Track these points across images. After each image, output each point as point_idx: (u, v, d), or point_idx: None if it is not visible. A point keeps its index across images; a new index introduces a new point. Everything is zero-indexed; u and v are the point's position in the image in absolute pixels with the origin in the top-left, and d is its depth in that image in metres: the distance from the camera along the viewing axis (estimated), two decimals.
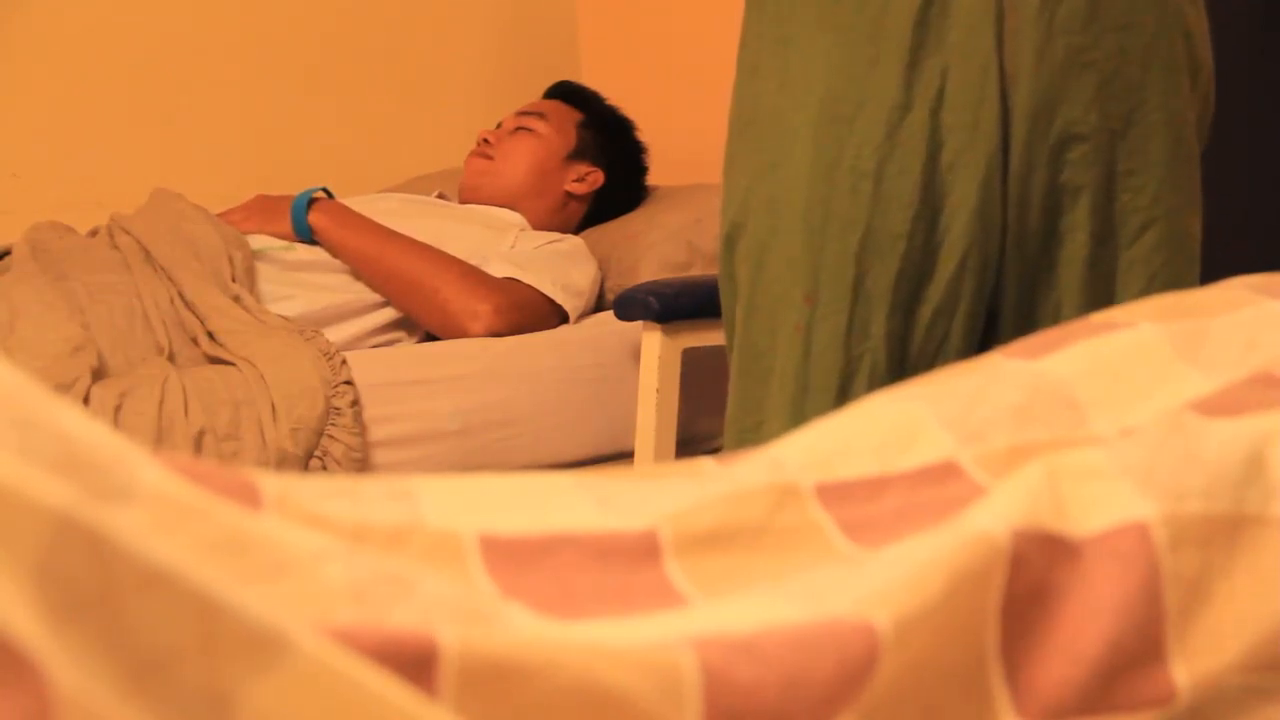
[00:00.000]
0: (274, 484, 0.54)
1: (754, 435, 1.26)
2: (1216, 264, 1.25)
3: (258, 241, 2.14)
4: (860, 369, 1.20)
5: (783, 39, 1.25)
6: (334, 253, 2.15)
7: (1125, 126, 1.19)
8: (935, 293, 1.21)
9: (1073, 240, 1.21)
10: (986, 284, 1.21)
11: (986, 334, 1.22)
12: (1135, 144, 1.20)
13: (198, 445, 1.73)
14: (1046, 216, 1.20)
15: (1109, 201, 1.20)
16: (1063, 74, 1.18)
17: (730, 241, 1.29)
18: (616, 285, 2.23)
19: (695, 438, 2.11)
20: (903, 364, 1.20)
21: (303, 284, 2.10)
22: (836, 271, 1.21)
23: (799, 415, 1.21)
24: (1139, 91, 1.20)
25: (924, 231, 1.20)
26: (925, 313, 1.21)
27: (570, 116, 2.47)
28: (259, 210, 2.21)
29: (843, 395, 1.20)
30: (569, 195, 2.44)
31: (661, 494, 0.59)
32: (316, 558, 0.46)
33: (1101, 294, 1.21)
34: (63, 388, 1.70)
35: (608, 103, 2.54)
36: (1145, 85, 1.20)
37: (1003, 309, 1.22)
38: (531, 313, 2.13)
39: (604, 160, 2.46)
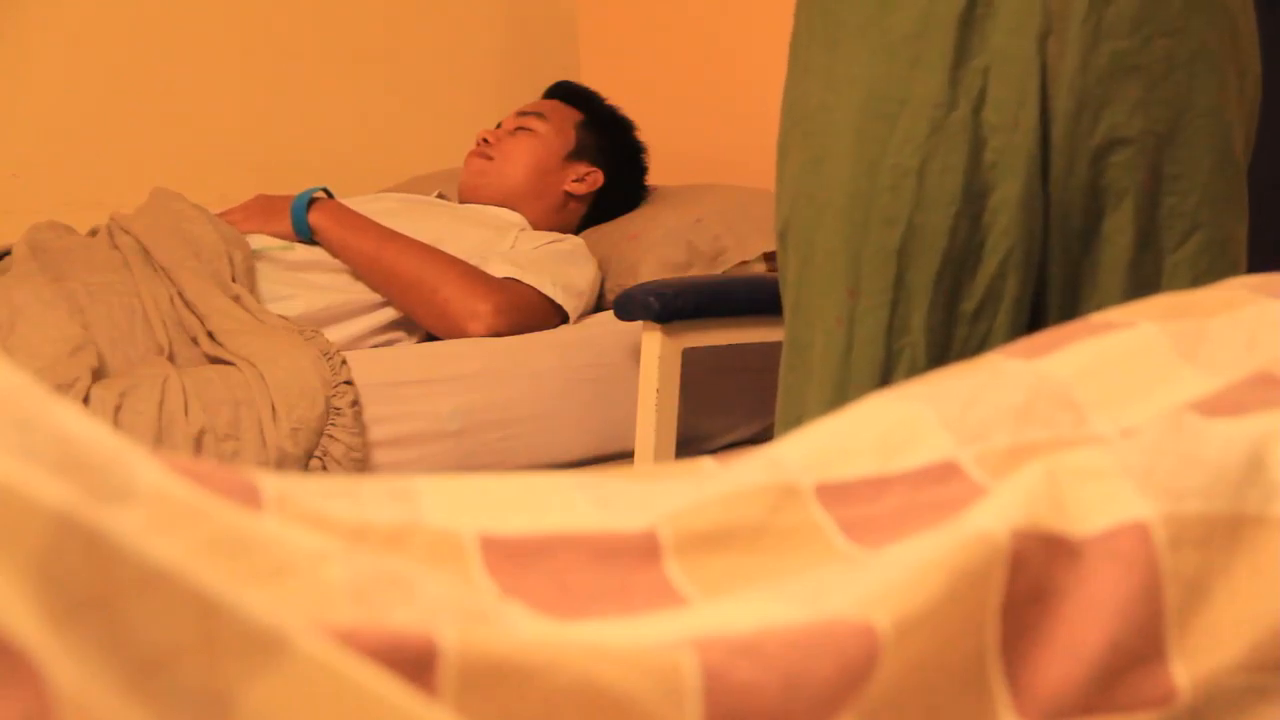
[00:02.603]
0: (274, 484, 0.54)
1: (795, 429, 1.28)
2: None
3: (257, 241, 2.14)
4: (899, 363, 1.22)
5: (831, 39, 1.27)
6: (334, 253, 2.15)
7: (1171, 131, 1.20)
8: (978, 289, 1.22)
9: (1115, 243, 1.21)
10: (1030, 283, 1.22)
11: (1031, 333, 1.23)
12: (1181, 149, 1.20)
13: (198, 445, 1.73)
14: (1089, 218, 1.21)
15: (1153, 206, 1.21)
16: (1108, 78, 1.19)
17: (781, 236, 1.32)
18: (616, 285, 2.23)
19: (695, 438, 2.11)
20: (943, 360, 1.21)
21: (303, 284, 2.10)
22: (877, 266, 1.23)
23: (838, 408, 1.23)
24: (1186, 96, 1.20)
25: (966, 229, 1.21)
26: (968, 309, 1.22)
27: (570, 116, 2.47)
28: (259, 210, 2.21)
29: (882, 389, 1.22)
30: (569, 195, 2.44)
31: (661, 494, 0.59)
32: (317, 558, 0.46)
33: (1145, 297, 1.21)
34: (63, 388, 1.70)
35: (608, 103, 2.54)
36: (1192, 90, 1.20)
37: (1047, 309, 1.24)
38: (531, 313, 2.13)
39: (603, 160, 2.46)
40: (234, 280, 2.00)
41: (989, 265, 1.21)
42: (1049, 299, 1.23)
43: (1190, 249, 1.21)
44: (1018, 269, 1.21)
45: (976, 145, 1.20)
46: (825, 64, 1.27)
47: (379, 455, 1.88)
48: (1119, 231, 1.21)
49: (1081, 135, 1.19)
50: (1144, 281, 1.22)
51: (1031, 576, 0.53)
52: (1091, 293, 1.22)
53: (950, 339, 1.22)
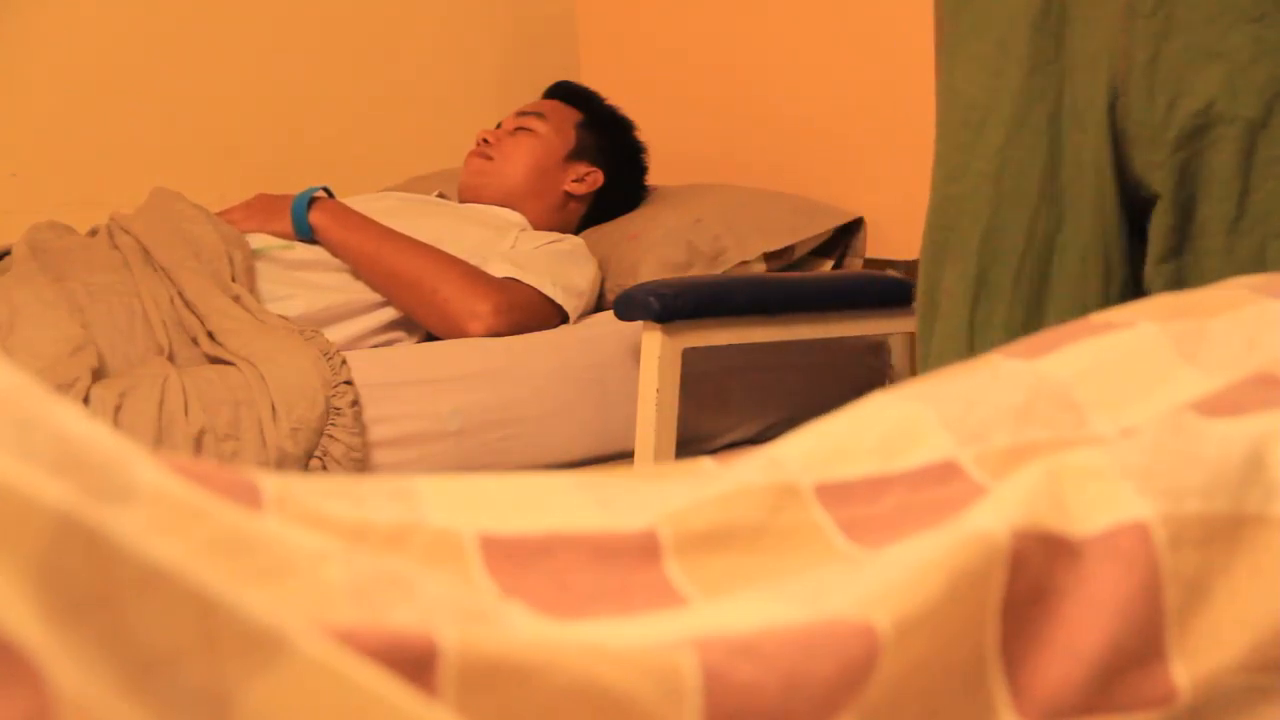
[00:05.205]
0: (274, 484, 0.54)
1: None
2: None
3: (257, 240, 2.14)
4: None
5: (949, 53, 1.33)
6: (334, 252, 2.15)
7: (1266, 115, 1.19)
8: (1062, 289, 1.26)
9: (1212, 229, 1.21)
10: (1116, 281, 1.24)
11: None
12: (1278, 131, 1.19)
13: (198, 445, 1.73)
14: (1179, 208, 1.22)
15: (1249, 190, 1.20)
16: (1182, 68, 1.19)
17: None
18: (616, 285, 2.23)
19: (695, 438, 2.11)
20: None
21: (303, 283, 2.10)
22: (961, 265, 1.28)
23: None
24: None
25: (1045, 230, 1.25)
26: (1054, 309, 1.25)
27: (569, 116, 2.47)
28: (259, 209, 2.21)
29: None
30: (568, 195, 2.43)
31: (661, 494, 0.59)
32: (317, 558, 0.46)
33: None
34: (63, 388, 1.70)
35: (607, 103, 2.54)
36: None
37: None
38: (531, 313, 2.13)
39: (603, 160, 2.45)
40: (234, 280, 2.00)
41: (1069, 266, 1.25)
42: (1152, 291, 1.23)
43: None
44: (1097, 268, 1.24)
45: (1055, 150, 1.24)
46: (943, 71, 1.33)
47: (379, 455, 1.88)
48: (1213, 218, 1.21)
49: (1156, 126, 1.20)
50: (1249, 267, 1.21)
51: (1031, 576, 0.53)
52: (1197, 283, 1.23)
53: None
